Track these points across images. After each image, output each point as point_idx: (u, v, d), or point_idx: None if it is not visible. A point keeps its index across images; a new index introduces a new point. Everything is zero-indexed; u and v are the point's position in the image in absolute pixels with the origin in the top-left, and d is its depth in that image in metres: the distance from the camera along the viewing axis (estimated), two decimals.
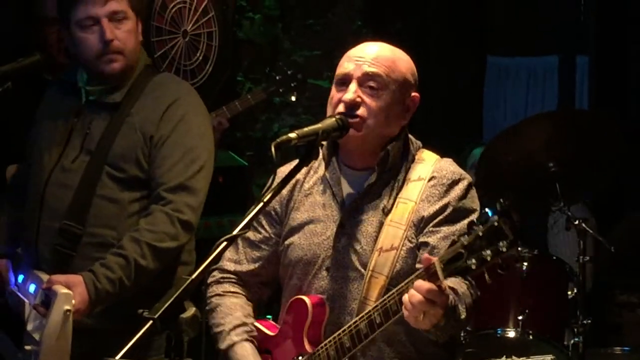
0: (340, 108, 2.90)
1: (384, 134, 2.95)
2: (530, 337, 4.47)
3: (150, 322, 2.56)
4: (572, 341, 4.43)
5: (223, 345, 3.07)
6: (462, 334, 4.05)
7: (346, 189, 3.03)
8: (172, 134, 3.63)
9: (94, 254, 3.58)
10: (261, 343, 3.08)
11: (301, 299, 2.96)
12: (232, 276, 3.18)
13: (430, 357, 2.97)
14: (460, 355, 4.04)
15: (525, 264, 4.56)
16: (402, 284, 2.64)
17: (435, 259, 2.49)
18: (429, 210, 2.85)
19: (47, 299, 3.38)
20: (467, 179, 2.93)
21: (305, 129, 2.79)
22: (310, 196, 3.09)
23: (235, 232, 2.67)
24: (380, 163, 2.94)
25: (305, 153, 2.81)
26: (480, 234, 2.39)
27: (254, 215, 2.72)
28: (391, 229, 2.89)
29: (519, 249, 4.58)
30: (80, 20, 3.66)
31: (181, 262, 3.68)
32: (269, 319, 3.21)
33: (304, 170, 3.01)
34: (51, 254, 3.65)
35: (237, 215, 2.75)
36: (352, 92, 2.89)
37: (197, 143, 3.67)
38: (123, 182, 3.65)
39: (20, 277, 3.66)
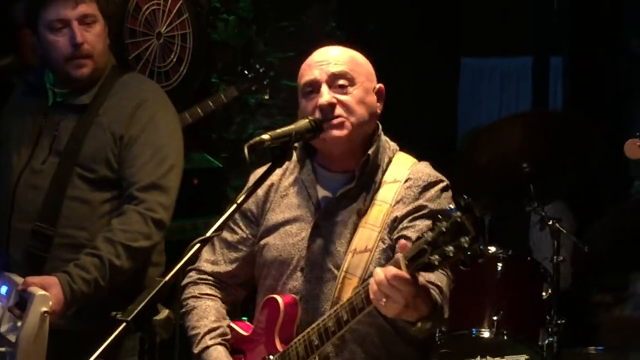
0: (317, 114, 2.88)
1: (365, 130, 2.96)
2: (505, 337, 4.49)
3: (124, 324, 2.58)
4: (546, 341, 4.45)
5: (197, 349, 3.08)
6: (437, 334, 4.07)
7: (321, 190, 3.03)
8: (141, 134, 3.65)
9: (67, 255, 3.59)
10: (235, 343, 3.10)
11: (274, 299, 2.96)
12: (209, 277, 3.18)
13: (402, 358, 2.99)
14: (434, 356, 4.04)
15: (500, 264, 4.58)
16: (369, 280, 2.62)
17: (399, 255, 2.52)
18: (402, 210, 2.85)
19: (23, 300, 3.38)
20: (444, 181, 2.93)
21: (279, 131, 2.77)
22: (285, 197, 3.09)
23: (208, 234, 2.66)
24: (362, 168, 2.95)
25: (279, 155, 2.82)
26: (444, 229, 2.40)
27: (227, 217, 2.71)
28: (366, 231, 2.90)
29: (492, 249, 4.66)
30: (50, 22, 3.65)
31: (152, 263, 3.70)
32: (244, 320, 3.19)
33: (279, 171, 3.05)
34: (23, 256, 3.66)
35: (212, 217, 2.76)
36: (326, 94, 2.89)
37: (167, 142, 3.70)
38: (94, 182, 3.66)
39: (4, 288, 3.67)
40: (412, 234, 2.73)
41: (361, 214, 2.93)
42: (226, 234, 3.13)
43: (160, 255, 3.77)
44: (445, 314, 2.77)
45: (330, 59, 2.97)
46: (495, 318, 4.52)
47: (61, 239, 3.64)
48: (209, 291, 3.17)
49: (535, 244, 5.25)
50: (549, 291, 4.55)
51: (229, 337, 3.09)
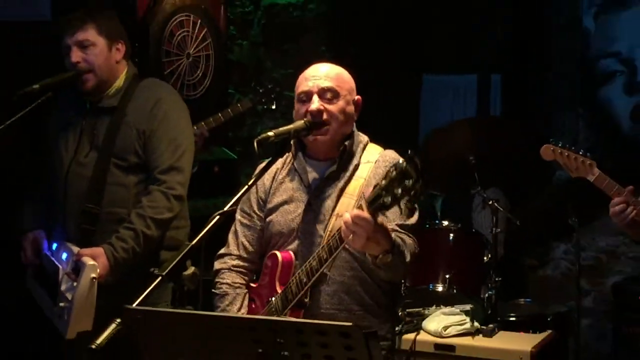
0: (308, 117, 2.94)
1: (344, 131, 3.02)
2: (455, 291, 4.51)
3: (160, 277, 2.56)
4: (486, 294, 4.44)
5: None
6: (402, 288, 4.04)
7: (311, 175, 3.07)
8: (158, 127, 3.67)
9: (111, 227, 3.62)
10: (248, 294, 3.14)
11: (274, 254, 3.03)
12: (239, 263, 3.19)
13: (379, 302, 3.02)
14: (400, 305, 4.05)
15: (451, 235, 4.60)
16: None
17: (362, 200, 2.62)
18: (373, 183, 2.81)
19: (77, 268, 3.45)
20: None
21: (281, 129, 2.92)
22: (283, 184, 3.12)
23: (225, 208, 2.69)
24: (340, 155, 3.00)
25: (280, 147, 2.93)
26: (393, 176, 2.47)
27: (239, 196, 2.75)
28: (346, 199, 2.95)
29: (445, 223, 4.64)
30: (63, 48, 3.71)
31: (175, 226, 3.72)
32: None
33: (279, 164, 3.12)
34: (77, 230, 3.66)
35: (228, 197, 2.76)
36: (316, 102, 2.94)
37: (179, 132, 3.71)
38: (127, 169, 3.69)
39: (54, 246, 3.67)
40: None
41: (342, 187, 2.97)
42: (244, 220, 3.19)
43: (185, 219, 3.81)
44: (407, 258, 2.82)
45: (322, 74, 3.01)
46: (447, 276, 4.55)
47: (105, 216, 3.65)
48: (239, 280, 3.18)
49: (477, 220, 5.22)
50: (489, 256, 4.57)
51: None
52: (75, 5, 4.31)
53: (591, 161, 3.77)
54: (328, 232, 2.89)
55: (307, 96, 2.98)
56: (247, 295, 3.15)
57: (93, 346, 2.41)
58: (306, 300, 2.90)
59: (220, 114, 4.90)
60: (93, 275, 3.42)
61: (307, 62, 5.95)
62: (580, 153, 3.79)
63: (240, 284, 3.15)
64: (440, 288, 4.47)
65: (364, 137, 3.10)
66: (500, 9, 5.84)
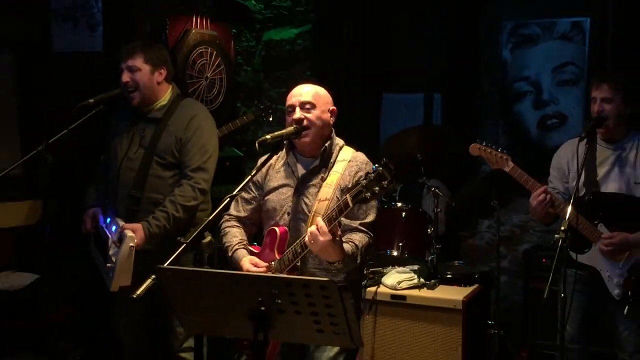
0: (294, 124, 2.98)
1: (322, 133, 3.02)
2: (406, 255, 4.50)
3: (184, 245, 2.56)
4: (430, 258, 4.45)
5: (230, 252, 3.13)
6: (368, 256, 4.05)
7: (300, 168, 3.07)
8: (192, 137, 3.67)
9: (149, 209, 3.62)
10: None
11: (273, 229, 3.03)
12: (234, 218, 3.22)
13: (351, 270, 2.98)
14: (365, 266, 4.06)
15: (404, 213, 4.59)
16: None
17: (347, 195, 2.65)
18: (347, 178, 2.93)
19: (121, 237, 3.46)
20: (370, 163, 3.02)
21: (275, 133, 3.00)
22: (279, 173, 3.12)
23: (234, 193, 2.68)
24: (322, 154, 3.02)
25: (275, 147, 2.99)
26: (372, 177, 2.57)
27: (245, 183, 2.75)
28: (326, 189, 2.94)
29: (400, 204, 4.64)
30: (119, 69, 3.73)
31: (201, 209, 3.70)
32: (255, 244, 3.22)
33: (275, 158, 3.12)
34: (124, 210, 3.66)
35: (236, 184, 2.77)
36: (298, 113, 2.98)
37: (207, 141, 3.71)
38: (165, 166, 3.69)
39: (108, 220, 3.65)
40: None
41: (323, 179, 2.96)
42: (245, 195, 3.21)
43: (208, 203, 3.76)
44: (357, 261, 2.88)
45: (302, 92, 3.03)
46: (400, 244, 4.56)
47: (146, 200, 3.66)
48: (236, 224, 3.19)
49: (423, 202, 5.22)
50: (432, 229, 4.57)
51: (248, 246, 3.14)
52: (121, 42, 4.29)
53: (507, 156, 3.79)
54: (312, 213, 2.88)
55: (292, 108, 3.01)
56: (243, 233, 3.21)
57: (134, 295, 2.41)
58: (298, 264, 2.90)
59: (231, 124, 4.92)
60: (131, 244, 3.44)
61: (296, 84, 5.94)
62: (499, 150, 3.81)
63: (236, 225, 3.21)
64: (395, 253, 4.46)
65: (340, 141, 3.10)
66: (442, 44, 5.84)
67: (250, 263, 3.00)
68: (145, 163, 3.65)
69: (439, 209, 4.57)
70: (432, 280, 4.33)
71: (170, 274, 2.40)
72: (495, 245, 4.77)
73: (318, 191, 2.95)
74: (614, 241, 3.58)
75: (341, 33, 6.07)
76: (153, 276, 2.41)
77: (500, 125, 5.45)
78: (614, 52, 4.99)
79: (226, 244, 3.14)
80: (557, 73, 5.22)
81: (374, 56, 6.18)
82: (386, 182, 2.56)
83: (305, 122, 2.96)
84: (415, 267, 4.40)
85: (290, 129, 2.95)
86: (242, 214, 3.21)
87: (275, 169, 3.13)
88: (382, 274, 4.40)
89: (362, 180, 2.61)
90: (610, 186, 3.66)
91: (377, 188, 2.57)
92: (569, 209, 3.29)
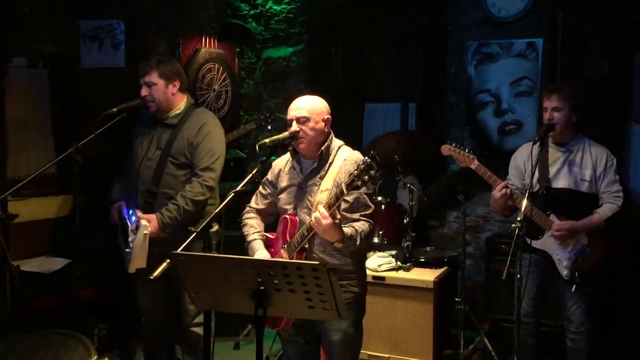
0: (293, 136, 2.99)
1: (317, 141, 3.00)
2: (385, 241, 4.50)
3: (195, 233, 2.55)
4: (405, 244, 4.46)
5: (248, 240, 3.13)
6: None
7: (304, 169, 3.07)
8: (202, 141, 3.65)
9: (163, 202, 3.60)
10: (267, 242, 3.13)
11: (285, 217, 3.04)
12: (254, 210, 3.24)
13: (352, 253, 3.00)
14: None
15: (383, 206, 4.58)
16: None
17: (342, 184, 2.72)
18: (343, 174, 2.91)
19: (137, 226, 3.46)
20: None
21: (273, 137, 3.01)
22: (287, 175, 3.13)
23: (237, 189, 2.67)
24: (319, 157, 3.00)
25: (273, 149, 2.97)
26: (362, 168, 2.61)
27: (247, 181, 2.76)
28: (325, 182, 2.93)
29: (380, 198, 4.63)
30: (140, 83, 3.71)
31: (210, 203, 3.69)
32: (271, 232, 3.22)
33: (284, 161, 3.18)
34: (142, 202, 3.64)
35: (238, 181, 2.76)
36: (294, 126, 2.97)
37: (215, 145, 3.68)
38: (178, 165, 3.66)
39: (130, 212, 3.63)
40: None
41: (322, 176, 2.95)
42: (262, 191, 3.24)
43: (216, 198, 3.73)
44: (357, 242, 2.85)
45: (298, 107, 3.00)
46: (380, 232, 4.54)
47: (161, 194, 3.64)
48: (254, 216, 3.19)
49: (400, 196, 5.23)
50: (407, 219, 4.55)
51: (264, 237, 3.13)
52: (140, 59, 4.27)
53: (473, 156, 3.79)
54: (315, 203, 2.87)
55: (290, 121, 3.00)
56: (261, 224, 3.22)
57: (152, 277, 2.40)
58: (306, 247, 2.90)
59: (236, 132, 4.94)
60: (146, 231, 3.44)
61: (291, 95, 5.94)
62: (466, 150, 3.81)
63: (254, 217, 3.22)
64: (376, 240, 4.46)
65: (339, 142, 3.09)
66: (416, 61, 5.84)
67: (262, 255, 3.02)
68: (161, 163, 3.64)
69: (413, 202, 4.57)
70: (408, 264, 4.33)
71: (182, 259, 2.39)
72: (461, 233, 4.78)
73: (318, 187, 2.95)
74: (563, 228, 3.62)
75: (329, 52, 6.07)
76: (168, 260, 2.40)
77: (466, 131, 5.45)
78: (562, 68, 5.01)
79: (245, 233, 3.17)
80: (514, 86, 5.23)
81: (357, 71, 6.20)
82: (373, 171, 2.61)
83: (300, 134, 2.97)
84: (393, 252, 4.41)
85: (285, 134, 2.95)
86: (260, 206, 3.23)
87: (285, 172, 3.15)
88: (365, 258, 4.39)
89: (354, 171, 2.66)
90: (560, 182, 3.70)
91: (366, 177, 2.62)
92: (525, 202, 3.31)
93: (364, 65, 6.25)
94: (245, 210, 3.27)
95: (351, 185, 2.66)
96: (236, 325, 4.94)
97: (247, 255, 3.06)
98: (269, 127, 5.14)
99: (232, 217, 4.56)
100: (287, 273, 2.26)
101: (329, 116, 3.05)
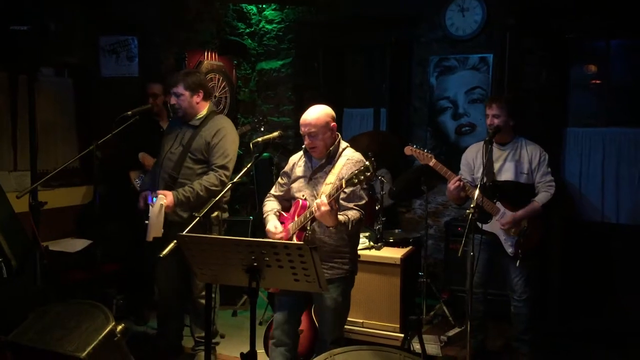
0: (307, 146, 3.04)
1: (327, 145, 3.03)
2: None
3: (197, 218, 2.53)
4: (377, 227, 4.46)
5: (265, 215, 3.12)
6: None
7: (313, 164, 3.07)
8: (218, 142, 3.64)
9: (177, 187, 3.59)
10: (280, 219, 3.11)
11: (298, 200, 3.04)
12: (272, 195, 3.26)
13: (349, 236, 3.04)
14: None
15: (370, 193, 4.57)
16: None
17: (342, 180, 2.74)
18: (345, 171, 2.93)
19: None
20: (364, 160, 3.03)
21: (265, 137, 3.02)
22: (300, 168, 3.13)
23: (235, 180, 2.67)
24: (327, 156, 3.02)
25: (264, 147, 3.00)
26: (362, 169, 2.64)
27: (242, 173, 2.74)
28: (330, 177, 2.94)
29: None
30: (170, 93, 3.65)
31: (224, 196, 3.65)
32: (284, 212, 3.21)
33: (298, 156, 3.19)
34: (164, 187, 3.62)
35: (236, 174, 2.77)
36: (306, 140, 3.01)
37: (229, 147, 3.68)
38: (195, 161, 3.65)
39: (154, 199, 3.61)
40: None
41: (328, 171, 2.96)
42: (280, 181, 3.25)
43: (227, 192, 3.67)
44: (349, 228, 2.88)
45: (307, 123, 3.00)
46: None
47: (179, 184, 3.60)
48: (273, 199, 3.18)
49: (374, 186, 5.24)
50: (378, 206, 4.55)
51: (277, 214, 3.10)
52: (154, 69, 4.25)
53: (431, 155, 3.82)
54: (321, 193, 2.89)
55: (303, 135, 3.02)
56: (278, 206, 3.20)
57: (161, 255, 2.39)
58: (308, 228, 2.92)
59: None
60: (162, 202, 3.46)
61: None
62: (425, 150, 3.84)
63: (273, 200, 3.22)
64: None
65: (344, 144, 3.12)
66: (386, 73, 5.84)
67: (272, 225, 3.05)
68: (182, 157, 3.64)
69: (384, 192, 4.58)
70: (379, 243, 4.34)
71: (188, 240, 2.39)
72: (424, 218, 4.80)
73: (325, 179, 2.99)
74: (508, 221, 3.73)
75: (313, 65, 6.06)
76: (175, 241, 2.40)
77: (428, 131, 5.47)
78: (508, 78, 5.04)
79: (264, 212, 3.19)
80: (469, 94, 5.25)
81: (337, 82, 6.19)
82: (369, 173, 2.64)
83: (312, 145, 3.02)
84: (367, 233, 4.42)
85: (275, 133, 2.97)
86: (278, 193, 3.25)
87: (298, 165, 3.17)
88: (358, 242, 4.39)
89: (355, 170, 2.69)
90: (504, 176, 3.78)
91: (362, 177, 2.65)
92: (477, 192, 3.34)
93: (342, 76, 6.25)
94: (266, 196, 3.30)
95: (349, 182, 2.70)
96: (234, 296, 4.94)
97: (264, 226, 3.14)
98: (262, 129, 5.13)
99: (231, 204, 4.56)
100: (277, 252, 2.27)
101: (335, 123, 3.08)
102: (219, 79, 5.51)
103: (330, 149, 3.03)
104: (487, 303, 3.94)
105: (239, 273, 2.35)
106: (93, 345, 2.79)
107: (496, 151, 3.83)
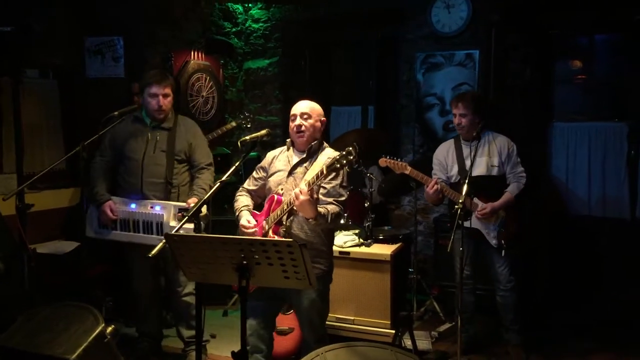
0: (295, 129, 3.01)
1: (314, 136, 3.02)
2: (350, 222, 4.49)
3: (186, 217, 2.51)
4: (367, 224, 4.47)
5: (237, 212, 3.11)
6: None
7: (295, 158, 3.07)
8: (198, 141, 3.71)
9: (169, 189, 3.66)
10: (253, 216, 3.09)
11: (272, 196, 3.01)
12: (245, 190, 3.23)
13: (325, 234, 3.04)
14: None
15: (348, 192, 4.57)
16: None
17: (323, 164, 2.71)
18: (324, 165, 2.89)
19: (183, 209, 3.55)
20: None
21: (252, 135, 2.98)
22: (280, 162, 3.12)
23: (223, 178, 2.65)
24: (308, 150, 3.02)
25: (252, 145, 2.92)
26: (343, 154, 2.61)
27: (231, 172, 2.72)
28: (311, 172, 2.89)
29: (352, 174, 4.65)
30: (151, 93, 3.60)
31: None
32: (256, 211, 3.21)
33: (278, 151, 3.17)
34: (160, 192, 3.65)
35: (224, 173, 2.75)
36: (298, 120, 3.01)
37: (207, 146, 3.80)
38: (179, 162, 3.67)
39: (133, 205, 3.58)
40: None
41: (308, 167, 2.94)
42: (255, 175, 3.22)
43: None
44: (328, 221, 2.85)
45: (302, 106, 3.02)
46: (345, 215, 4.51)
47: (175, 185, 3.66)
48: (245, 194, 3.16)
49: (367, 184, 5.25)
50: (368, 204, 4.55)
51: (250, 209, 3.10)
52: (138, 70, 4.23)
53: (406, 163, 3.94)
54: (299, 187, 2.88)
55: (294, 117, 3.02)
56: (250, 202, 3.18)
57: (150, 255, 2.37)
58: (284, 221, 2.90)
59: (219, 130, 4.88)
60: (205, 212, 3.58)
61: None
62: (399, 160, 3.92)
63: (245, 195, 3.21)
64: (342, 221, 4.47)
65: (326, 144, 3.12)
66: (373, 71, 5.85)
67: (245, 220, 3.03)
68: (169, 161, 3.64)
69: (373, 189, 4.59)
70: (369, 240, 4.35)
71: (176, 239, 2.37)
72: (413, 214, 4.82)
73: (304, 175, 2.96)
74: (485, 211, 3.81)
75: (300, 63, 6.06)
76: (164, 241, 2.38)
77: (416, 128, 5.48)
78: (494, 74, 5.07)
79: (235, 208, 3.17)
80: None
81: (324, 80, 6.19)
82: (351, 157, 2.61)
83: (302, 127, 3.00)
84: (357, 230, 4.42)
85: (262, 132, 2.94)
86: (252, 187, 3.23)
87: (278, 159, 3.15)
88: (333, 241, 4.40)
89: (336, 158, 2.67)
90: (476, 171, 3.86)
91: (344, 161, 2.62)
92: (465, 187, 3.37)
93: (329, 74, 6.25)
94: (238, 191, 3.27)
95: (331, 167, 2.66)
96: (224, 296, 4.93)
97: (238, 223, 3.10)
98: (249, 127, 5.12)
99: (219, 203, 4.55)
100: (266, 249, 2.25)
101: (324, 119, 3.10)
102: (205, 79, 5.49)
103: (313, 144, 3.03)
104: (477, 297, 3.99)
105: (229, 272, 2.33)
106: (83, 347, 2.76)
107: (465, 148, 3.89)
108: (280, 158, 3.15)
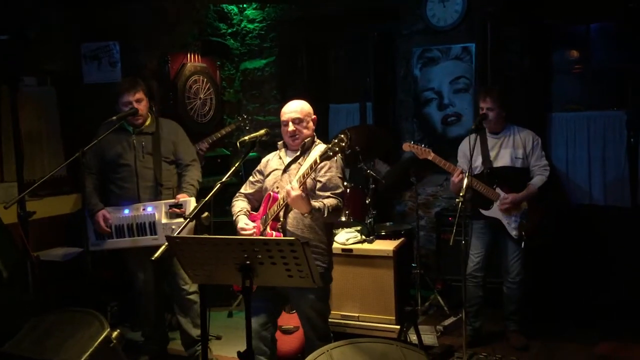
0: (289, 134, 3.04)
1: (307, 136, 3.04)
2: (351, 219, 4.49)
3: (188, 219, 2.51)
4: (368, 221, 4.46)
5: (234, 216, 3.12)
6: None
7: (288, 158, 3.09)
8: (181, 140, 3.76)
9: (162, 191, 3.68)
10: (250, 218, 3.11)
11: (269, 194, 3.02)
12: (242, 194, 3.24)
13: (318, 226, 3.01)
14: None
15: (348, 190, 4.57)
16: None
17: (316, 155, 2.72)
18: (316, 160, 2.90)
19: (180, 204, 3.61)
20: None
21: (251, 135, 2.99)
22: (274, 162, 3.14)
23: (223, 180, 2.65)
24: (301, 147, 3.03)
25: (251, 146, 2.97)
26: (335, 142, 2.62)
27: (231, 173, 2.74)
28: (303, 167, 2.90)
29: (346, 183, 4.63)
30: (124, 102, 3.63)
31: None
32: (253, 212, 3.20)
33: (272, 154, 3.19)
34: (149, 194, 3.66)
35: (224, 174, 2.75)
36: (291, 126, 3.03)
37: (189, 141, 3.88)
38: (168, 162, 3.71)
39: (127, 210, 3.58)
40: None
41: (301, 163, 2.95)
42: (251, 179, 3.24)
43: None
44: (324, 215, 2.83)
45: (292, 110, 3.02)
46: (347, 212, 4.52)
47: (166, 187, 3.69)
48: (243, 199, 3.17)
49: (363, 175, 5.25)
50: (369, 199, 4.55)
51: (247, 213, 3.11)
52: (137, 74, 4.23)
53: (429, 149, 3.93)
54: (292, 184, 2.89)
55: (286, 123, 3.04)
56: (248, 205, 3.19)
57: (152, 258, 2.37)
58: (280, 217, 2.92)
59: (218, 133, 4.89)
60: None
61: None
62: (423, 146, 3.94)
63: (242, 199, 3.22)
64: (343, 218, 4.47)
65: (319, 141, 3.13)
66: (370, 67, 5.84)
67: (243, 223, 3.04)
68: (157, 164, 3.65)
69: (373, 185, 4.58)
70: (371, 237, 4.34)
71: (178, 241, 2.37)
72: (415, 210, 4.81)
73: (297, 171, 2.97)
74: (508, 202, 3.87)
75: (297, 62, 6.05)
76: (166, 243, 2.38)
77: (415, 123, 5.47)
78: (491, 67, 5.06)
79: (233, 212, 3.18)
80: (453, 84, 5.26)
81: (321, 78, 6.18)
82: (344, 143, 2.62)
83: (296, 133, 3.04)
84: (359, 227, 4.42)
85: (261, 132, 2.95)
86: (248, 191, 3.24)
87: (272, 160, 3.19)
88: (335, 234, 4.39)
89: (328, 146, 2.68)
90: (500, 162, 3.94)
91: (336, 148, 2.63)
92: (465, 181, 3.41)
93: (326, 72, 6.25)
94: (235, 196, 3.28)
95: (324, 155, 2.68)
96: (229, 297, 4.93)
97: (235, 227, 3.11)
98: (248, 128, 5.12)
99: (220, 204, 4.54)
100: (269, 248, 2.26)
101: (315, 116, 3.13)
102: (203, 81, 5.49)
103: (306, 141, 3.06)
104: (484, 289, 4.01)
105: (232, 272, 2.33)
106: (89, 352, 2.77)
107: (490, 140, 3.98)
108: (275, 159, 3.18)
